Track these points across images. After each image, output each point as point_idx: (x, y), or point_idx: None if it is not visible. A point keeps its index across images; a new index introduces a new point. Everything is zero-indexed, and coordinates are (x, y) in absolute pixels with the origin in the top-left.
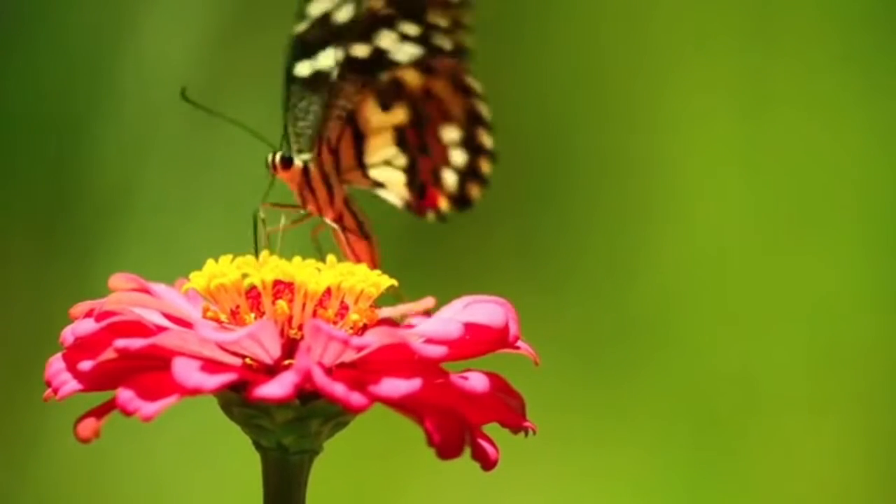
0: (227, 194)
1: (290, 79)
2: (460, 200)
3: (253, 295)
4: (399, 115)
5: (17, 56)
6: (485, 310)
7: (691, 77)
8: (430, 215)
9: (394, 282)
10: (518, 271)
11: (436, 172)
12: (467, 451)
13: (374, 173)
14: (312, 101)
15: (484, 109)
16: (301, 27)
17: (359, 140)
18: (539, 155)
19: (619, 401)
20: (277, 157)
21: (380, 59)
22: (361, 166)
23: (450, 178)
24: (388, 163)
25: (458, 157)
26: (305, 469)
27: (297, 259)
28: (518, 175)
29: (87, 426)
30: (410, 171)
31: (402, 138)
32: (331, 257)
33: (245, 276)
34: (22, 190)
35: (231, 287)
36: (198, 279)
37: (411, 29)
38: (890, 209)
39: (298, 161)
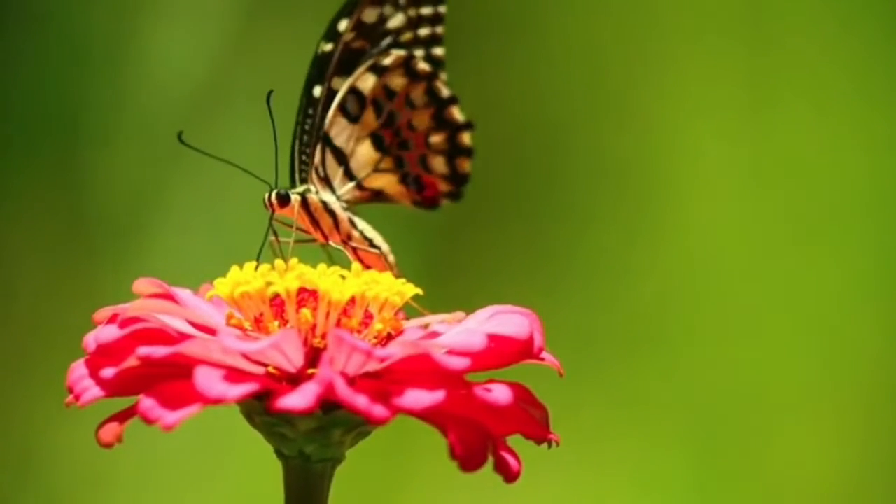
0: (245, 204)
1: (309, 101)
2: (455, 178)
3: (277, 303)
4: (368, 121)
5: (27, 63)
6: (509, 321)
7: (692, 76)
8: (442, 202)
9: (419, 290)
10: (519, 272)
11: (422, 161)
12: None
13: (370, 183)
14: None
15: (445, 89)
16: (326, 47)
17: (342, 158)
18: (539, 156)
19: (619, 401)
20: (273, 195)
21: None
22: (357, 182)
23: (437, 162)
24: (376, 169)
25: (436, 138)
26: (327, 477)
27: (321, 267)
28: (519, 176)
29: (110, 431)
30: (399, 169)
31: (379, 142)
32: (355, 265)
33: (269, 284)
34: (33, 199)
35: (255, 295)
36: (222, 286)
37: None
38: (893, 210)
39: (295, 196)
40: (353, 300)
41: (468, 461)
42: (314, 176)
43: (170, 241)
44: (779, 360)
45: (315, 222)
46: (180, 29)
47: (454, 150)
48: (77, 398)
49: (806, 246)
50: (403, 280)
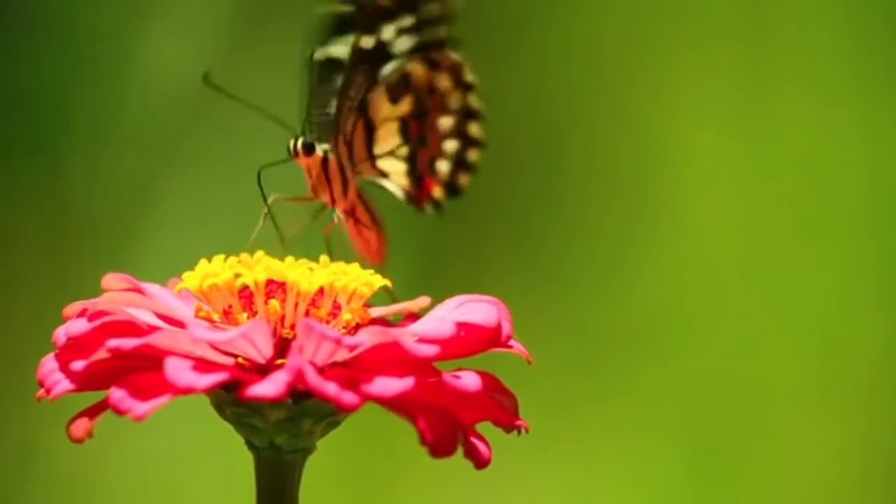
0: (242, 199)
1: (315, 62)
2: (451, 188)
3: (245, 295)
4: (405, 106)
5: (21, 62)
6: (478, 309)
7: (690, 73)
8: (428, 208)
9: (387, 282)
10: (513, 270)
11: (431, 163)
12: (460, 451)
13: (381, 164)
14: (329, 87)
15: (477, 103)
16: (341, 8)
17: (369, 131)
18: (535, 152)
19: (616, 400)
20: (300, 142)
21: (381, 51)
22: (370, 157)
23: (443, 167)
24: (392, 153)
25: (451, 146)
26: (298, 468)
27: (289, 259)
28: (514, 173)
29: (80, 426)
30: (411, 161)
31: (405, 129)
32: (323, 257)
33: (237, 275)
34: (30, 197)
35: (223, 287)
36: (190, 279)
37: (408, 21)
38: (894, 207)
39: (320, 149)
40: (321, 291)
41: (438, 447)
42: (341, 140)
43: (164, 242)
44: (778, 357)
45: (328, 182)
46: (174, 28)
47: (460, 163)
48: (48, 392)
49: (805, 243)
50: (372, 271)
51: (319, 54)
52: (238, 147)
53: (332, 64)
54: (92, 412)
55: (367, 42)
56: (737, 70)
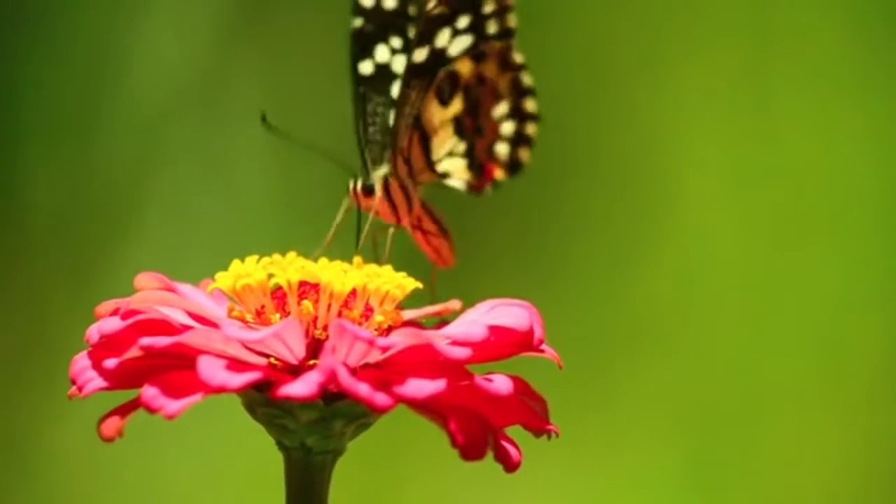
0: (236, 199)
1: (357, 80)
2: (513, 167)
3: (278, 295)
4: (456, 106)
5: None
6: (510, 313)
7: (692, 75)
8: (488, 190)
9: (419, 284)
10: (515, 271)
11: (489, 148)
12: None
13: (440, 167)
14: (378, 102)
15: (528, 79)
16: (357, 22)
17: (424, 140)
18: (538, 154)
19: (618, 400)
20: (359, 185)
21: (437, 58)
22: (429, 164)
23: (502, 149)
24: (450, 154)
25: (508, 127)
26: (328, 469)
27: (323, 260)
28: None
29: (111, 425)
30: (470, 155)
31: (459, 127)
32: (357, 258)
33: (271, 276)
34: (28, 195)
35: (257, 287)
36: (224, 279)
37: (464, 21)
38: (893, 210)
39: (378, 186)
40: (354, 292)
41: (469, 450)
42: (399, 158)
43: (154, 237)
44: (778, 359)
45: (394, 207)
46: (169, 27)
47: (519, 139)
48: (80, 389)
49: (805, 246)
50: (404, 273)
51: (367, 67)
52: (228, 144)
53: (383, 72)
54: (123, 410)
55: (420, 55)
56: (740, 73)
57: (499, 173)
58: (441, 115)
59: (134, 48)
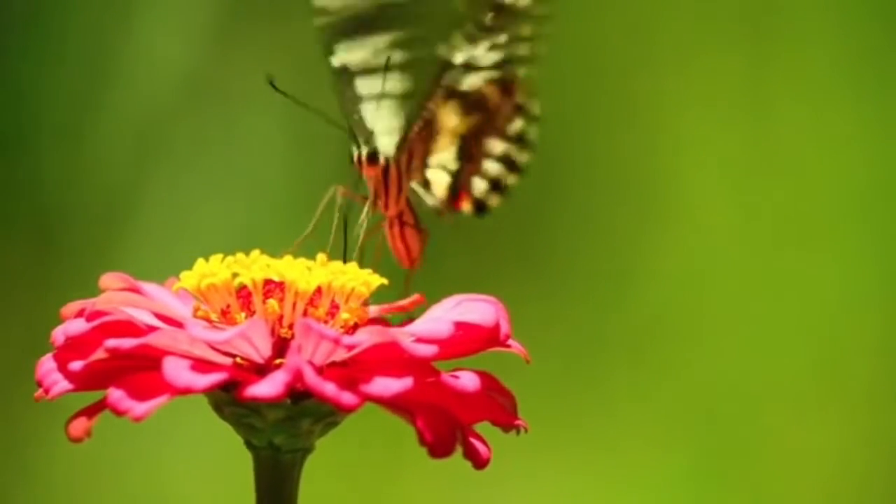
0: (234, 199)
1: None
2: (480, 207)
3: (243, 294)
4: (469, 122)
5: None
6: (475, 308)
7: (693, 77)
8: (449, 219)
9: (384, 281)
10: (517, 277)
11: (470, 178)
12: (460, 451)
13: (429, 173)
14: (348, 90)
15: (534, 135)
16: (322, 20)
17: (429, 139)
18: (538, 157)
19: (620, 404)
20: (364, 153)
21: (468, 64)
22: (424, 165)
23: (480, 185)
24: (442, 165)
25: (493, 168)
26: (297, 467)
27: (287, 258)
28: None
29: (79, 426)
30: (456, 175)
31: (462, 144)
32: (321, 256)
33: (235, 275)
34: (22, 193)
35: (221, 286)
36: (188, 279)
37: (502, 38)
38: (893, 212)
39: (382, 158)
40: (319, 290)
41: (437, 447)
42: (405, 149)
43: (149, 238)
44: (781, 362)
45: (385, 189)
46: (165, 26)
47: (497, 185)
48: (47, 392)
49: (808, 247)
50: (370, 270)
51: (336, 61)
52: (227, 143)
53: (346, 69)
54: (90, 412)
55: (459, 58)
56: (741, 77)
57: (466, 206)
58: (454, 124)
59: (129, 47)
